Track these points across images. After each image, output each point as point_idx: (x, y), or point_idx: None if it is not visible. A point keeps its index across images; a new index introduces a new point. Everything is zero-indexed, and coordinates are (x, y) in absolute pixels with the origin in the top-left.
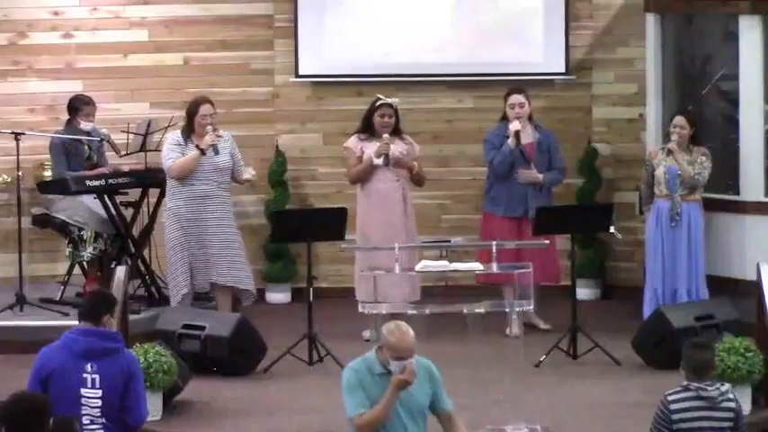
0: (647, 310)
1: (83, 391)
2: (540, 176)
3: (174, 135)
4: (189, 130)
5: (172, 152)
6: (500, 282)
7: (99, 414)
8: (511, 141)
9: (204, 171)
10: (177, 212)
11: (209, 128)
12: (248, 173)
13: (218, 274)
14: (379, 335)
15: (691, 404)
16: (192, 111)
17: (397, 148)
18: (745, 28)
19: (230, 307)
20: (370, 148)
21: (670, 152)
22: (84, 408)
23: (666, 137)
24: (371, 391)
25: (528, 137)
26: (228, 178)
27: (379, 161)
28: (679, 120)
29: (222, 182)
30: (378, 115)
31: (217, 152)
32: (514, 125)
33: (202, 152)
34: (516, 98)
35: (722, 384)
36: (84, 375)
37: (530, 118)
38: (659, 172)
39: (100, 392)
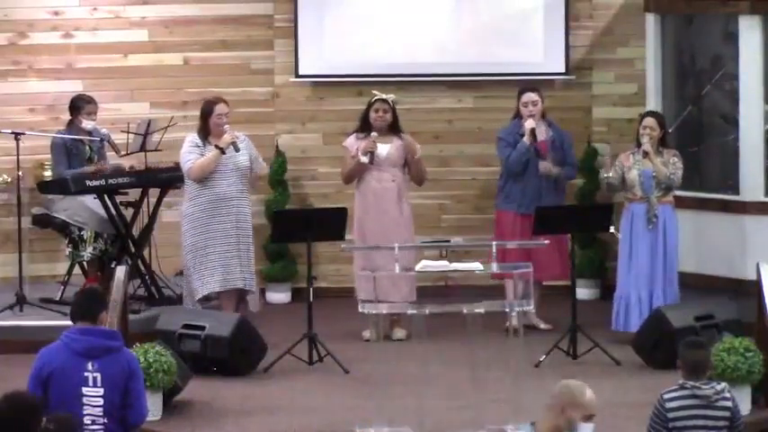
0: (620, 320)
1: (84, 390)
2: (556, 169)
3: (192, 137)
4: (205, 132)
5: (191, 154)
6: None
7: (101, 413)
8: (526, 139)
9: (225, 171)
10: (197, 216)
11: (226, 127)
12: (261, 165)
13: (231, 276)
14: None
15: (686, 403)
16: (206, 111)
17: (387, 146)
18: (745, 28)
19: (234, 309)
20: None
21: (645, 154)
22: (85, 407)
23: (637, 140)
24: None
25: (541, 134)
26: (247, 179)
27: (366, 159)
28: (650, 121)
29: (242, 181)
30: (372, 110)
31: (238, 149)
32: (529, 123)
33: (222, 151)
34: (529, 96)
35: (718, 383)
36: (86, 374)
37: (543, 115)
38: (632, 175)
39: (101, 391)
